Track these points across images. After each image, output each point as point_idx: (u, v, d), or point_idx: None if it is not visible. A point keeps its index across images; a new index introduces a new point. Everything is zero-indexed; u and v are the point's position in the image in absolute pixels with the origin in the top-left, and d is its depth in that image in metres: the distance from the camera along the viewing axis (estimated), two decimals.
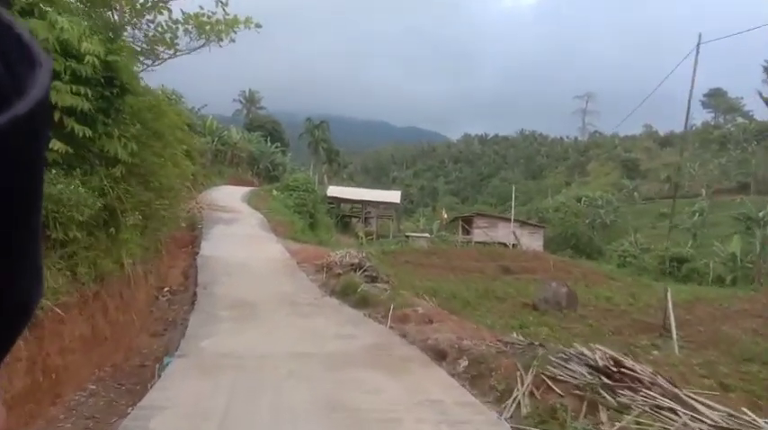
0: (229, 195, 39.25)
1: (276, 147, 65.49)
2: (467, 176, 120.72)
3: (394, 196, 54.19)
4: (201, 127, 54.60)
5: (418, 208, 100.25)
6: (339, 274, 16.33)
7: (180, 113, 18.00)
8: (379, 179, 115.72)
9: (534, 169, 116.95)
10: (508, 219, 47.26)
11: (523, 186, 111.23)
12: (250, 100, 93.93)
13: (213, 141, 53.18)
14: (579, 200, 75.80)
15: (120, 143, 9.06)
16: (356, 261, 17.80)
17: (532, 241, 44.90)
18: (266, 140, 64.63)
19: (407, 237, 53.59)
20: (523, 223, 46.19)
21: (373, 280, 15.02)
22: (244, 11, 15.97)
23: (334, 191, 53.18)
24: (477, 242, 45.47)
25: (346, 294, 13.46)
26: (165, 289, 15.08)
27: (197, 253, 21.18)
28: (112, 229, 9.21)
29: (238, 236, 25.31)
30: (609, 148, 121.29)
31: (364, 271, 16.54)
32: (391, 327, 10.44)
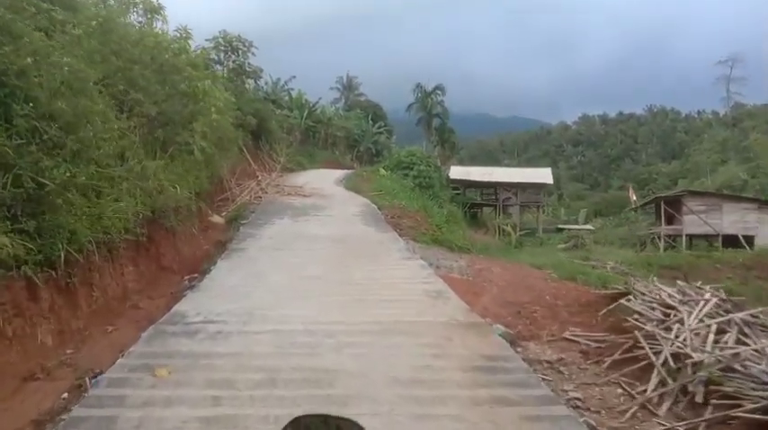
0: (318, 178, 24.79)
1: (379, 128, 51.14)
2: (591, 160, 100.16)
3: (544, 175, 37.48)
4: (288, 101, 41.25)
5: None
6: None
7: None
8: None
9: (674, 148, 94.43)
10: (738, 198, 29.19)
11: (664, 168, 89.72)
12: (348, 86, 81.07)
13: (302, 117, 39.44)
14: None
15: None
16: None
17: None
18: (368, 120, 50.44)
19: (561, 230, 36.95)
20: (764, 203, 27.99)
21: None
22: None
23: (457, 172, 37.59)
24: (689, 235, 27.97)
25: None
26: None
27: (186, 301, 6.25)
28: None
29: (316, 239, 10.34)
30: (767, 118, 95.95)
31: None
32: None
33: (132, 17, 13.75)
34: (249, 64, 28.68)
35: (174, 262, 9.26)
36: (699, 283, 5.98)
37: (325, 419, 1.29)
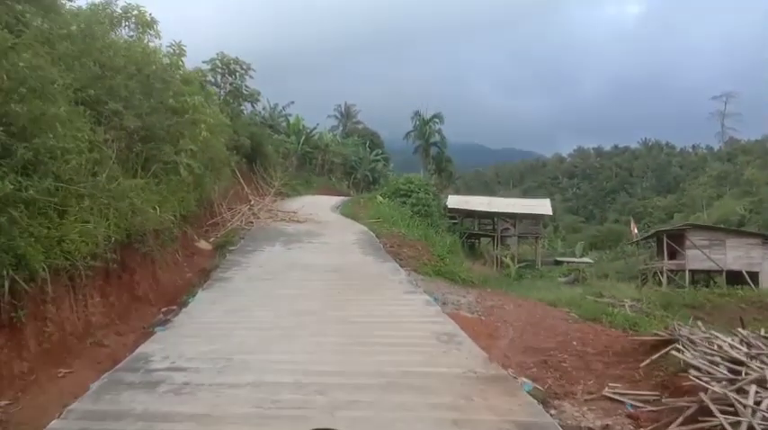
0: (314, 204, 23.94)
1: (376, 155, 50.63)
2: (586, 193, 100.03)
3: (543, 206, 36.85)
4: (285, 127, 40.73)
5: None
6: None
7: None
8: None
9: (669, 182, 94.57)
10: (742, 233, 28.51)
11: (660, 202, 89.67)
12: (346, 114, 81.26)
13: (299, 143, 38.85)
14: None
15: None
16: None
17: None
18: (365, 147, 49.98)
19: (559, 262, 36.16)
20: None
21: None
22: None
23: (455, 201, 36.86)
24: (692, 271, 27.16)
25: None
26: None
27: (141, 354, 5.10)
28: None
29: (309, 269, 9.40)
30: (761, 154, 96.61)
31: None
32: None
33: (123, 31, 13.02)
34: (246, 87, 28.06)
35: (151, 291, 8.28)
36: (763, 331, 5.07)
37: None
